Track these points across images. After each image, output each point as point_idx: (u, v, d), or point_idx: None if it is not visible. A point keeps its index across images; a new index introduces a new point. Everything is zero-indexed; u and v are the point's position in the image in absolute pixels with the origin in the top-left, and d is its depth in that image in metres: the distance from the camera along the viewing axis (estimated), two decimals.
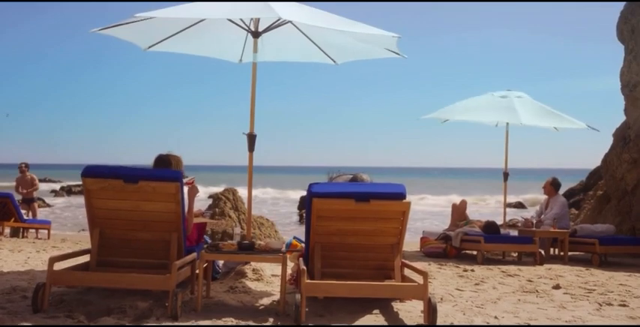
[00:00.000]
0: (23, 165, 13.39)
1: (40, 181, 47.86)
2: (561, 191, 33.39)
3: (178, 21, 5.67)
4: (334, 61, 6.31)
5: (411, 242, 12.89)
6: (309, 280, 3.87)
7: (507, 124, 9.32)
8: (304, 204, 25.22)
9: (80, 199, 30.37)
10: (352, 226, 4.30)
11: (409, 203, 4.23)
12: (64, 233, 15.70)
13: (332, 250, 4.39)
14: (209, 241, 5.41)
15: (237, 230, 5.18)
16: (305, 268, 3.91)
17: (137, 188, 4.16)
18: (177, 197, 4.20)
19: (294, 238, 6.65)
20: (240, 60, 6.44)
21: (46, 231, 12.35)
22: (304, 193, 25.56)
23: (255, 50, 5.32)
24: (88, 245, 4.64)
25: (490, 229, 8.23)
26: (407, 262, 4.45)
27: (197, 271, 4.43)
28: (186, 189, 4.62)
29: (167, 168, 4.62)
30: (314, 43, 6.12)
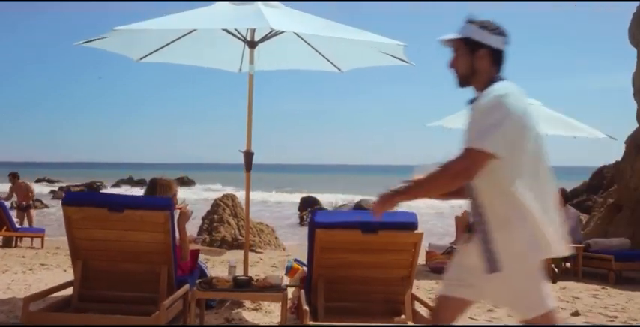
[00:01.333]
0: (11, 176, 13.02)
1: (39, 181, 47.62)
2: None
3: (171, 30, 5.31)
4: (339, 69, 5.94)
5: None
6: (311, 322, 3.51)
7: None
8: (305, 205, 24.99)
9: None
10: (359, 258, 3.94)
11: (421, 234, 3.87)
12: (59, 239, 15.34)
13: (337, 283, 4.02)
14: (204, 268, 5.04)
15: (233, 262, 4.80)
16: (307, 308, 3.54)
17: (123, 217, 3.79)
18: (167, 227, 3.83)
19: (295, 260, 6.29)
20: (240, 69, 6.06)
21: (39, 239, 12.00)
22: (305, 194, 25.07)
23: (252, 61, 4.94)
24: None
25: None
26: (418, 295, 4.09)
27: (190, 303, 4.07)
28: (177, 215, 4.25)
29: (155, 193, 4.24)
30: (316, 51, 5.75)
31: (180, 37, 5.46)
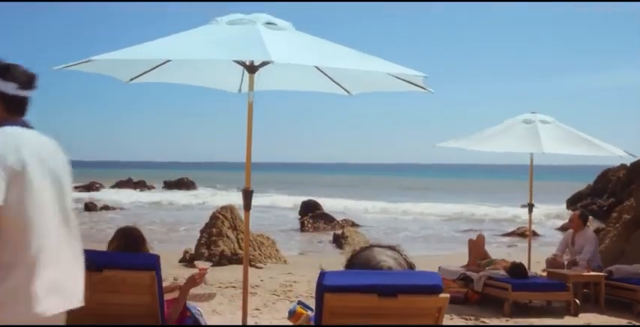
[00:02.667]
0: None
1: None
2: (567, 195, 32.32)
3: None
4: (347, 92, 5.43)
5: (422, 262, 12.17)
6: None
7: (532, 154, 8.40)
8: (305, 210, 24.48)
9: (77, 204, 29.52)
10: (374, 323, 3.43)
11: (447, 298, 3.37)
12: None
13: None
14: (198, 316, 4.52)
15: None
16: None
17: (102, 278, 3.29)
18: (153, 289, 3.33)
19: (299, 303, 5.78)
20: (239, 90, 5.54)
21: None
22: (305, 197, 24.34)
23: (251, 88, 4.40)
24: None
25: (517, 272, 7.32)
26: None
27: None
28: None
29: (138, 249, 3.68)
30: (323, 73, 5.24)
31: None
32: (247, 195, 4.47)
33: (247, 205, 4.51)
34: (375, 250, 3.78)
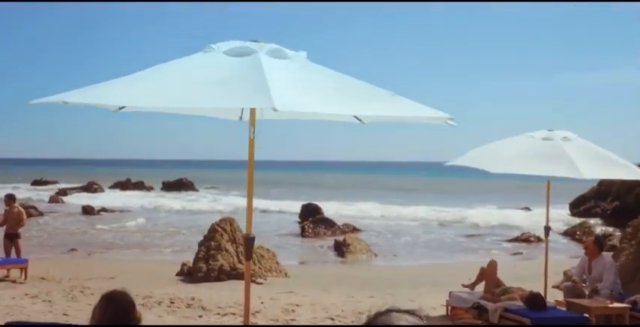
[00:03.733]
0: (8, 198, 12.02)
1: (36, 182, 46.84)
2: (570, 198, 31.43)
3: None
4: (360, 121, 4.96)
5: (427, 273, 10.66)
6: None
7: (549, 180, 7.87)
8: (306, 214, 24.01)
9: (75, 207, 29.22)
10: None
11: None
12: (47, 258, 14.49)
13: None
14: None
15: None
16: None
17: None
18: None
19: None
20: (240, 118, 5.08)
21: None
22: (306, 201, 23.87)
23: (253, 123, 3.91)
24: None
25: (535, 303, 6.85)
26: None
27: None
28: None
29: (128, 318, 3.18)
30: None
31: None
32: (249, 242, 4.00)
33: (248, 255, 4.05)
34: (394, 315, 3.37)
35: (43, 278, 11.31)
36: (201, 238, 12.83)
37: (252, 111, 4.02)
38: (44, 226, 23.51)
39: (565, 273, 11.09)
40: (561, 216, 27.06)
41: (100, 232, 21.73)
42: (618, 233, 24.23)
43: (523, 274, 12.72)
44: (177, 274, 12.56)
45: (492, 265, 8.07)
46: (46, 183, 47.54)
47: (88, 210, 27.39)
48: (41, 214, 25.96)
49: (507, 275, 12.39)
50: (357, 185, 55.24)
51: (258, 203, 30.57)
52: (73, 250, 17.04)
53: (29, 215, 24.66)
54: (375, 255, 17.23)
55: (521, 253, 18.38)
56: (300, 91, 3.23)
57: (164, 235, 20.93)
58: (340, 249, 17.51)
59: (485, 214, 27.74)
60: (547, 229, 8.33)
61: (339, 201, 32.37)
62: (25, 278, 10.99)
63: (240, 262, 12.19)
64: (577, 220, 25.27)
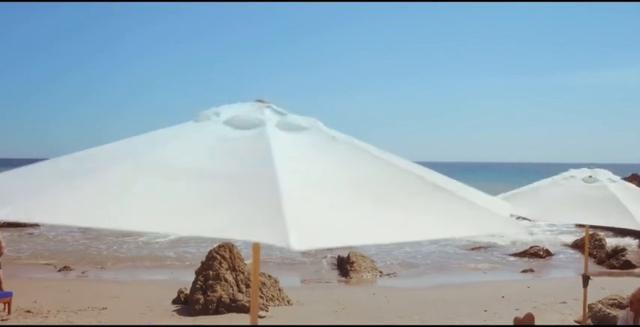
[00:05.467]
0: None
1: None
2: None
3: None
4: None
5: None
6: None
7: (587, 228, 7.03)
8: None
9: None
10: None
11: None
12: (36, 282, 13.79)
13: None
14: None
15: None
16: None
17: None
18: None
19: None
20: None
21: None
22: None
23: (257, 262, 3.13)
24: None
25: None
26: None
27: None
28: None
29: None
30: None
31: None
32: None
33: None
34: None
35: (28, 311, 10.64)
36: (203, 249, 12.13)
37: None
38: (37, 238, 22.85)
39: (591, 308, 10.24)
40: (569, 226, 26.37)
41: (97, 244, 21.09)
42: (632, 241, 23.56)
43: (541, 302, 12.04)
44: (174, 302, 11.87)
45: (529, 318, 7.29)
46: None
47: None
48: (36, 224, 25.27)
49: (523, 302, 11.77)
50: None
51: None
52: (65, 268, 16.36)
53: (22, 225, 24.14)
54: (380, 273, 16.55)
55: (532, 271, 17.66)
56: (326, 206, 2.37)
57: (164, 247, 20.33)
58: (344, 267, 16.84)
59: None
60: (586, 278, 7.25)
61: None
62: (9, 313, 10.28)
63: (240, 291, 11.49)
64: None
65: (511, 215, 3.12)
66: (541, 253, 20.54)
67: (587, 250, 7.45)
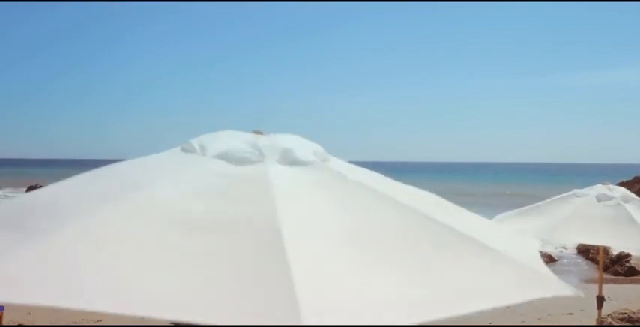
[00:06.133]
0: None
1: (32, 188, 46.09)
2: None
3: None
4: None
5: None
6: None
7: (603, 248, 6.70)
8: None
9: None
10: None
11: None
12: None
13: None
14: None
15: None
16: None
17: None
18: None
19: None
20: None
21: None
22: None
23: None
24: None
25: None
26: None
27: None
28: None
29: None
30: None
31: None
32: None
33: None
34: None
35: (20, 325, 10.35)
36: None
37: None
38: None
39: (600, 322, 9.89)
40: None
41: None
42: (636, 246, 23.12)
43: (547, 313, 11.75)
44: None
45: None
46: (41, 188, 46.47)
47: None
48: None
49: (528, 314, 11.47)
50: None
51: None
52: None
53: None
54: None
55: None
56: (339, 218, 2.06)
57: None
58: None
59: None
60: (600, 298, 6.81)
61: None
62: (1, 326, 9.98)
63: None
64: None
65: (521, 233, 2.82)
66: (544, 259, 20.20)
67: (601, 270, 7.14)
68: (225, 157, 2.46)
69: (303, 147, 2.60)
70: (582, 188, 6.70)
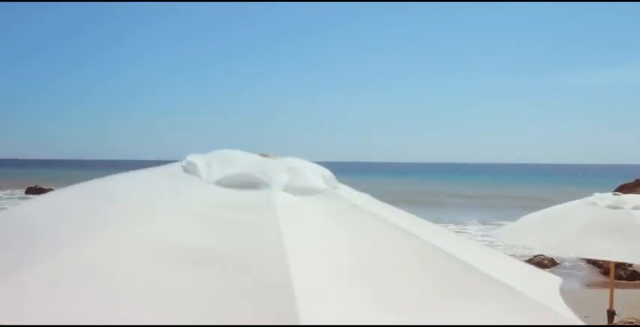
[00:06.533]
0: None
1: (30, 190, 45.80)
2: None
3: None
4: None
5: None
6: None
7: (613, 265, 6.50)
8: None
9: None
10: None
11: None
12: None
13: None
14: None
15: None
16: None
17: None
18: None
19: None
20: None
21: None
22: None
23: None
24: None
25: None
26: None
27: None
28: None
29: None
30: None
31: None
32: None
33: None
34: None
35: None
36: None
37: None
38: None
39: None
40: None
41: None
42: None
43: None
44: None
45: None
46: (41, 190, 46.18)
47: None
48: None
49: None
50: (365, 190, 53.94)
51: None
52: None
53: None
54: None
55: None
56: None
57: None
58: None
59: (475, 231, 26.22)
60: (611, 313, 6.55)
61: None
62: None
63: None
64: None
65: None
66: (546, 262, 19.91)
67: (612, 285, 6.85)
68: (229, 181, 2.22)
69: (313, 172, 2.36)
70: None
